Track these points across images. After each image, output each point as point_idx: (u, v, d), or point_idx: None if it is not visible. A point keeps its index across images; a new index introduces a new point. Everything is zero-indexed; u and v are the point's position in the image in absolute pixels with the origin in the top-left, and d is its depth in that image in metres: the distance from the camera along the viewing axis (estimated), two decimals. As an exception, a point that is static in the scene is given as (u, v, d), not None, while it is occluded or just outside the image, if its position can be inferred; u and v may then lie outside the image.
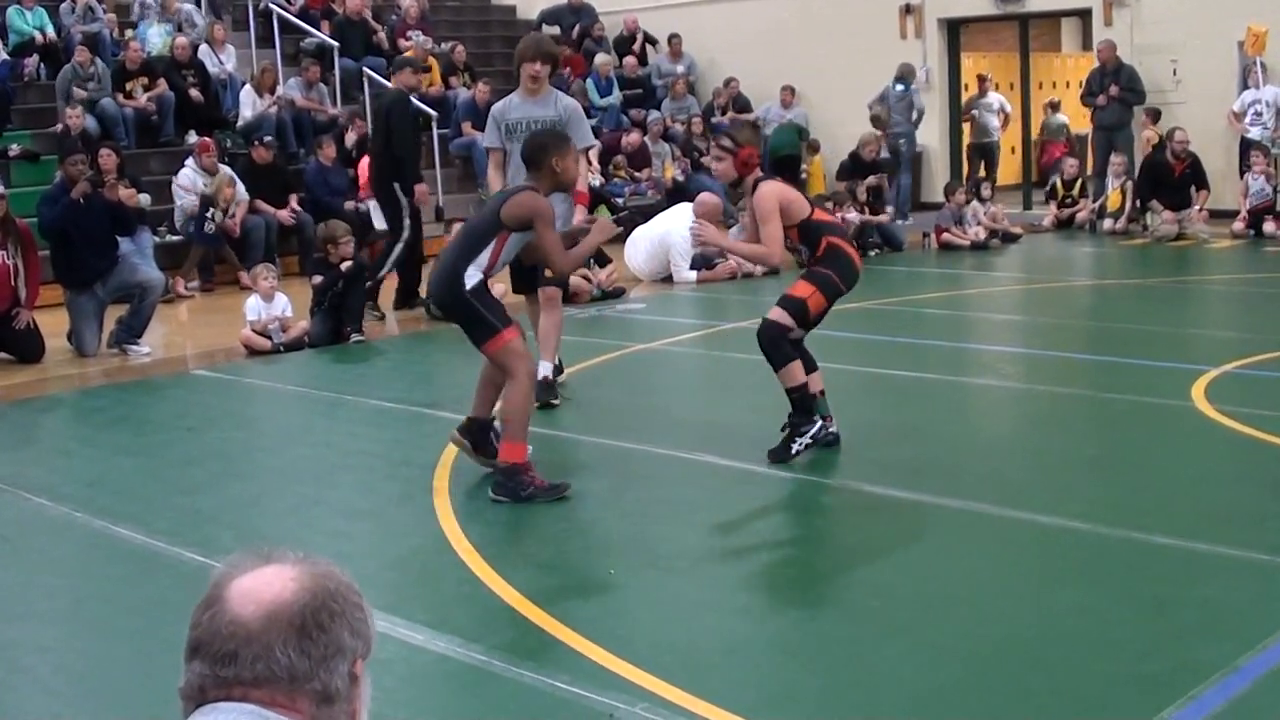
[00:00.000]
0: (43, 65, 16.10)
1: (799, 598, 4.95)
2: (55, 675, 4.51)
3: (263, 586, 1.76)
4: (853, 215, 14.71)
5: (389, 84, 17.26)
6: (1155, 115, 16.83)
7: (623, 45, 20.81)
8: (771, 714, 3.86)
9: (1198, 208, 15.40)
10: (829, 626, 4.70)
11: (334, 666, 1.75)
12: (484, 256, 6.06)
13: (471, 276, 6.05)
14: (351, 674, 1.78)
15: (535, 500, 6.04)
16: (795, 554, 5.46)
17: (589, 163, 7.80)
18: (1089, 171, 17.67)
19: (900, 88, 18.11)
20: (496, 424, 6.49)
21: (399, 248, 11.53)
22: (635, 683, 4.11)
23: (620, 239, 13.14)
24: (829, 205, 14.33)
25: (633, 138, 17.92)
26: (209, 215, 13.43)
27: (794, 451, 6.50)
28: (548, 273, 7.70)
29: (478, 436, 6.58)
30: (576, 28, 20.94)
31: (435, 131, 16.65)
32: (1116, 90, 16.78)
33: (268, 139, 14.74)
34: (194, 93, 15.73)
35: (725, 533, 5.68)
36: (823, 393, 6.71)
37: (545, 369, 7.88)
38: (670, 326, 10.05)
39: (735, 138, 6.59)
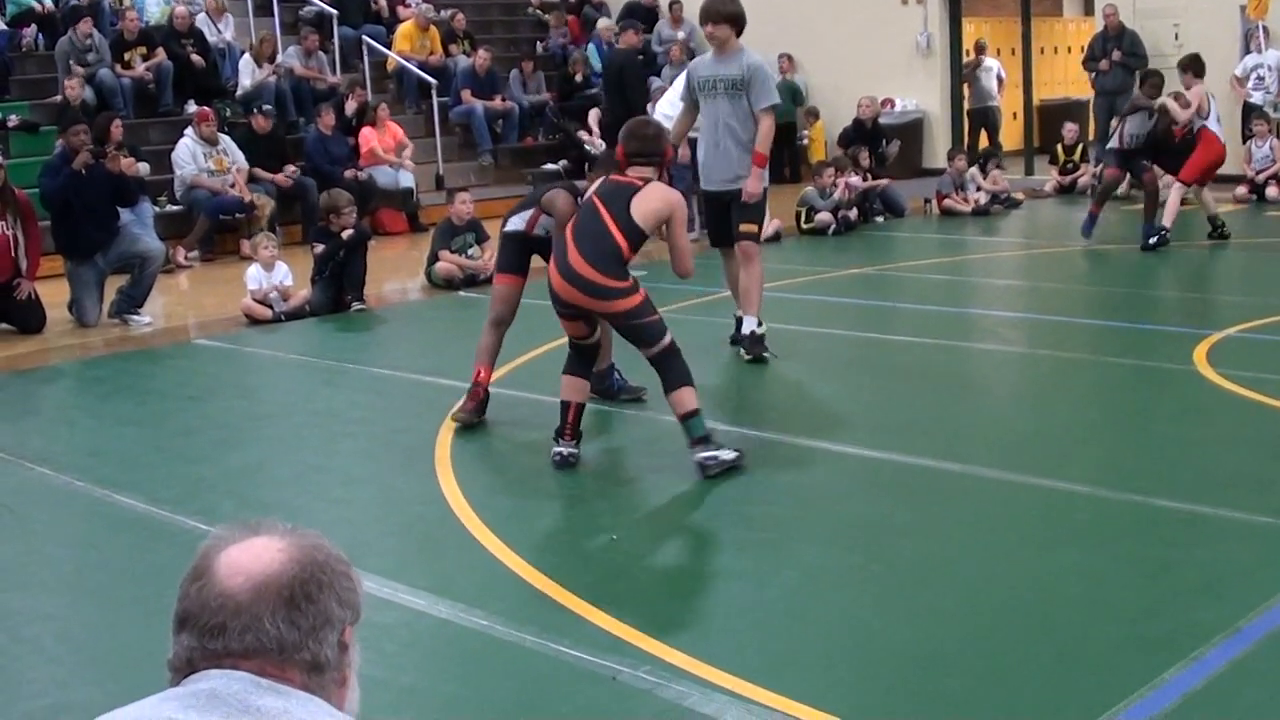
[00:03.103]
0: (40, 35, 16.03)
1: (800, 562, 4.95)
2: (58, 644, 4.52)
3: (251, 558, 1.76)
4: (855, 180, 14.67)
5: (388, 50, 17.32)
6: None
7: (635, 11, 20.52)
8: (773, 677, 3.87)
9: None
10: (830, 590, 4.70)
11: (323, 636, 1.75)
12: (528, 214, 6.87)
13: (512, 223, 6.93)
14: (341, 643, 1.78)
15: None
16: (796, 518, 5.46)
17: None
18: (1090, 137, 17.61)
19: None
20: (617, 366, 7.23)
21: None
22: (637, 646, 4.12)
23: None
24: (830, 172, 14.33)
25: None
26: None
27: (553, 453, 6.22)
28: (742, 228, 8.18)
29: (604, 382, 7.12)
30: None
31: (435, 99, 16.59)
32: (1119, 55, 16.71)
33: (266, 108, 14.68)
34: (195, 58, 15.65)
35: (725, 498, 5.67)
36: (694, 413, 5.92)
37: (750, 324, 8.27)
38: (673, 293, 10.02)
39: None
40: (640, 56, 14.78)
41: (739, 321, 8.49)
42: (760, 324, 8.34)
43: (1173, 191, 12.44)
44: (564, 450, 6.11)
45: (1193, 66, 12.55)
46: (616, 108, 13.40)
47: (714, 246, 8.79)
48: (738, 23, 8.27)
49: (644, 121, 6.66)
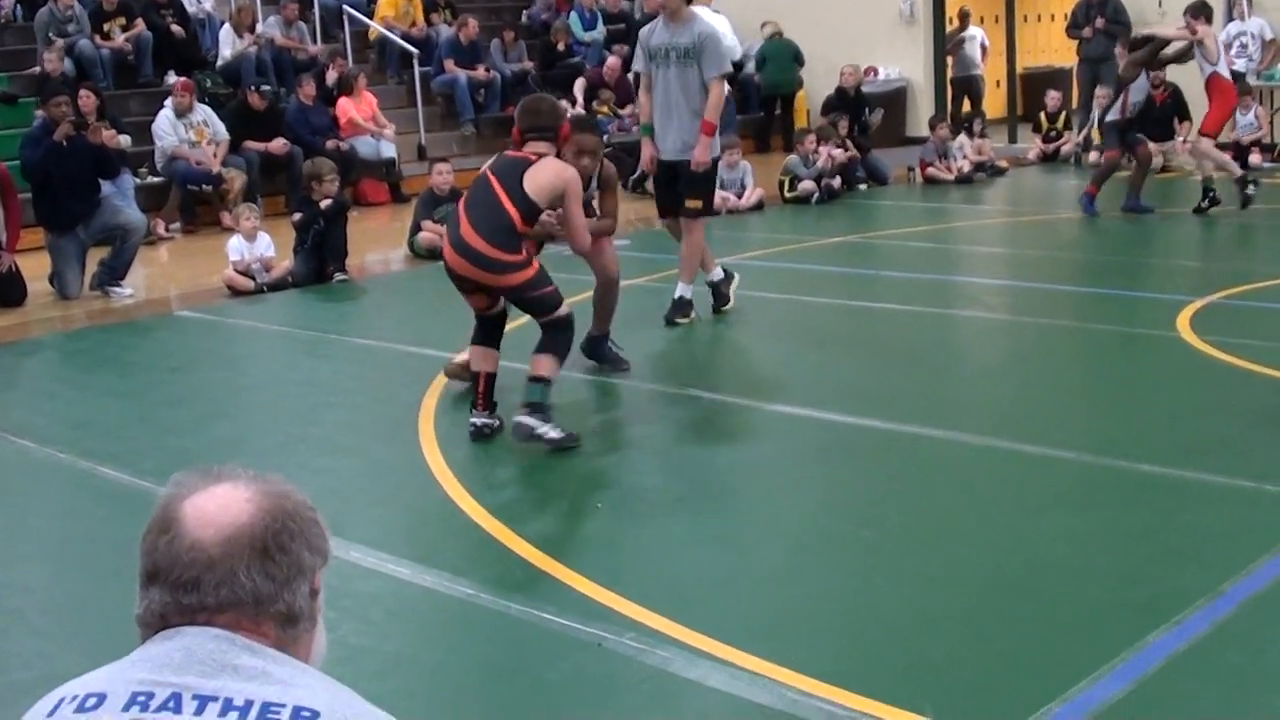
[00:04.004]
0: (19, 6, 15.90)
1: (785, 530, 4.96)
2: (43, 615, 4.52)
3: (218, 509, 1.72)
4: (837, 151, 14.63)
5: (369, 20, 17.23)
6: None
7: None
8: (758, 644, 3.87)
9: (1181, 139, 15.32)
10: (816, 558, 4.72)
11: (296, 587, 1.72)
12: None
13: None
14: (312, 589, 1.76)
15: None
16: (782, 486, 5.47)
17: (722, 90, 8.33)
18: (1074, 104, 17.60)
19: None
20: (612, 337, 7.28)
21: None
22: (622, 613, 4.12)
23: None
24: (811, 139, 14.30)
25: (613, 62, 17.43)
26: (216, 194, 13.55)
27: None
28: (687, 204, 8.27)
29: (596, 348, 7.26)
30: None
31: (417, 69, 16.50)
32: (1102, 22, 16.68)
33: (265, 88, 14.58)
34: (174, 28, 15.52)
35: (711, 466, 5.68)
36: (542, 380, 5.96)
37: (680, 289, 8.43)
38: (653, 263, 10.02)
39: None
40: None
41: (714, 289, 8.50)
42: (727, 275, 8.63)
43: (1204, 147, 12.34)
44: (478, 421, 6.13)
45: (1204, 11, 12.39)
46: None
47: (661, 217, 8.78)
48: None
49: (539, 98, 6.62)
